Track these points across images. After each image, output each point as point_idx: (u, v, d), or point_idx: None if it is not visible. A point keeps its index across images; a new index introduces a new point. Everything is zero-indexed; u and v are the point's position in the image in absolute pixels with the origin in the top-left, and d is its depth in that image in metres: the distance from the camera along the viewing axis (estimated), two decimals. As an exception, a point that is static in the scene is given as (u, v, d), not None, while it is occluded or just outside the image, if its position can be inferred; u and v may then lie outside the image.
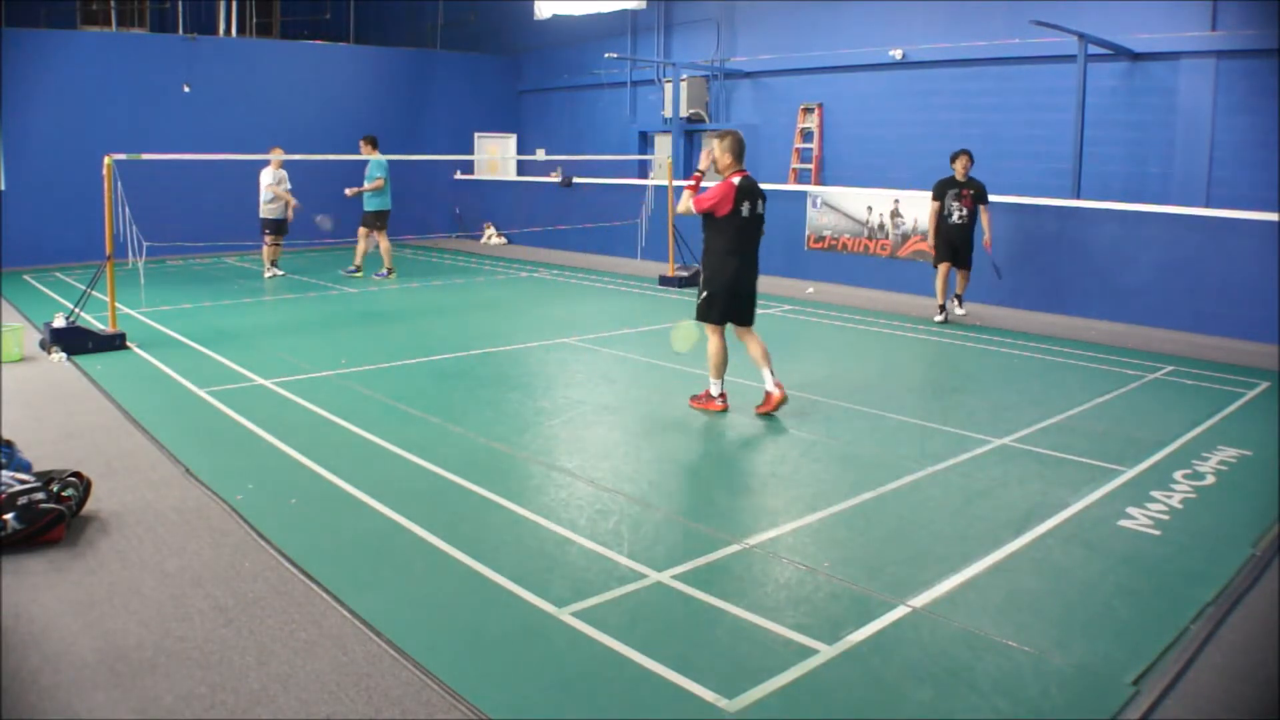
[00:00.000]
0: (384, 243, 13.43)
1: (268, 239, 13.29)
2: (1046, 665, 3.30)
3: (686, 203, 6.37)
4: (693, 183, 6.43)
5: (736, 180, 6.25)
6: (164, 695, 3.04)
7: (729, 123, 16.54)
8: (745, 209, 6.24)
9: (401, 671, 3.20)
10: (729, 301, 6.43)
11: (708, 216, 6.33)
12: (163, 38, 16.76)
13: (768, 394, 6.45)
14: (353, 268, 13.75)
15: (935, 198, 10.25)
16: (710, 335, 6.53)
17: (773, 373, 6.47)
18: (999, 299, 11.26)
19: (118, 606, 3.64)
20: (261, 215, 13.17)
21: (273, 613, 3.60)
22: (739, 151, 6.31)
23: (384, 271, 13.50)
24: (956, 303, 10.51)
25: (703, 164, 6.51)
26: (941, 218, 10.20)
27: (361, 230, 13.47)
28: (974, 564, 4.10)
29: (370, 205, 13.28)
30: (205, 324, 9.72)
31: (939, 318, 10.31)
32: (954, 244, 10.18)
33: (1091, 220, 10.63)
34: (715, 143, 6.38)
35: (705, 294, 6.46)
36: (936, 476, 5.28)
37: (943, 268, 10.26)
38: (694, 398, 6.73)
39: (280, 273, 13.55)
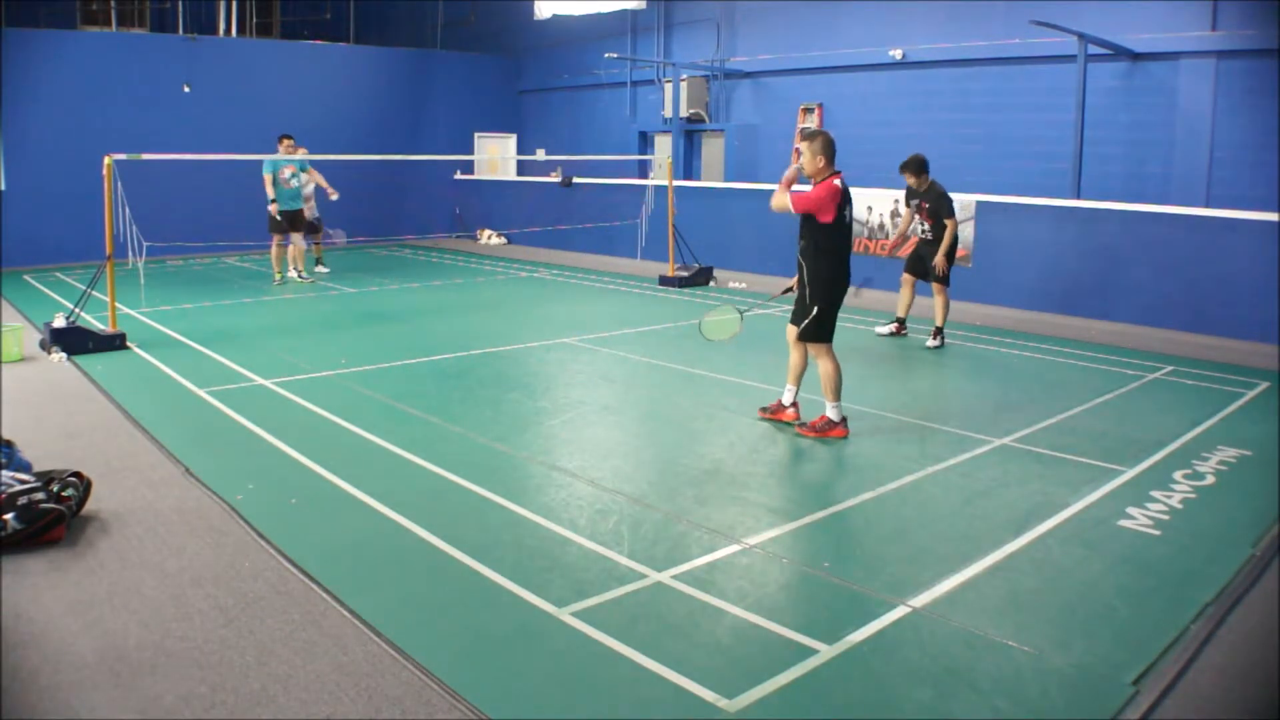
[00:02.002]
0: (299, 245, 12.97)
1: (295, 237, 13.25)
2: (1046, 665, 3.30)
3: (782, 198, 5.84)
4: (784, 184, 5.93)
5: (837, 182, 5.83)
6: (164, 695, 3.04)
7: (729, 123, 16.56)
8: (847, 214, 5.88)
9: (401, 671, 3.20)
10: (834, 317, 6.05)
11: (809, 223, 5.88)
12: (163, 38, 16.76)
13: (782, 404, 6.29)
14: (301, 275, 13.04)
15: (906, 204, 9.31)
16: (822, 358, 6.01)
17: (797, 393, 6.26)
18: (999, 299, 11.26)
19: (118, 606, 3.64)
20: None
21: (273, 613, 3.60)
22: (831, 153, 5.84)
23: (298, 273, 12.95)
24: (934, 334, 9.02)
25: (789, 174, 5.99)
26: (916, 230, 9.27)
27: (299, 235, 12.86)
28: (974, 564, 4.10)
29: (299, 204, 12.62)
30: (205, 324, 9.72)
31: (884, 329, 9.42)
32: (921, 256, 9.17)
33: (1091, 220, 10.63)
34: (804, 145, 5.89)
35: (816, 311, 5.93)
36: (936, 476, 5.28)
37: (904, 278, 9.34)
38: (805, 426, 6.06)
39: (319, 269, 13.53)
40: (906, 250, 9.59)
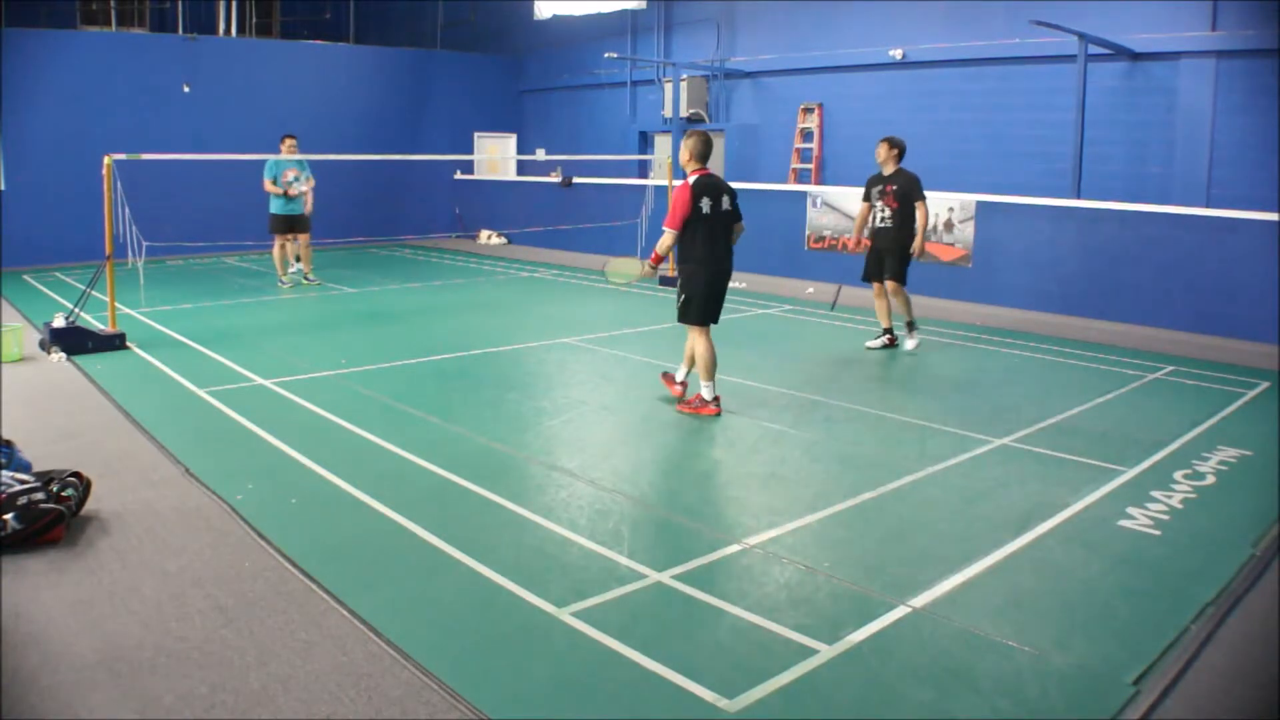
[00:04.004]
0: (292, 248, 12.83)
1: (301, 238, 13.12)
2: (1046, 665, 3.30)
3: (663, 239, 6.35)
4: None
5: (692, 179, 6.33)
6: (164, 695, 3.04)
7: (729, 123, 16.57)
8: (706, 205, 6.27)
9: (401, 671, 3.20)
10: (708, 301, 6.49)
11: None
12: (163, 38, 16.76)
13: (673, 379, 6.74)
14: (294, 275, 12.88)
15: (864, 198, 8.85)
16: (697, 338, 6.52)
17: (687, 373, 6.68)
18: (999, 299, 11.26)
19: (118, 606, 3.64)
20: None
21: (273, 613, 3.60)
22: (697, 152, 6.37)
23: (305, 276, 12.84)
24: (908, 332, 8.74)
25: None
26: (873, 221, 8.79)
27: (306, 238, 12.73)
28: (974, 564, 4.10)
29: (300, 209, 12.36)
30: (205, 324, 9.71)
31: (875, 343, 8.85)
32: (880, 252, 8.69)
33: (1091, 220, 10.63)
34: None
35: (684, 297, 6.52)
36: (936, 476, 5.28)
37: (874, 289, 8.84)
38: (684, 403, 6.62)
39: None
40: (862, 250, 9.20)
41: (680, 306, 6.56)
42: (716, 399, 6.50)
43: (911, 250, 8.53)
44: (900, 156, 8.64)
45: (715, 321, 6.59)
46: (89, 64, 15.31)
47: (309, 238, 12.75)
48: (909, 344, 8.75)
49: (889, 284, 8.65)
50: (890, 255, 8.60)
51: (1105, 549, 4.32)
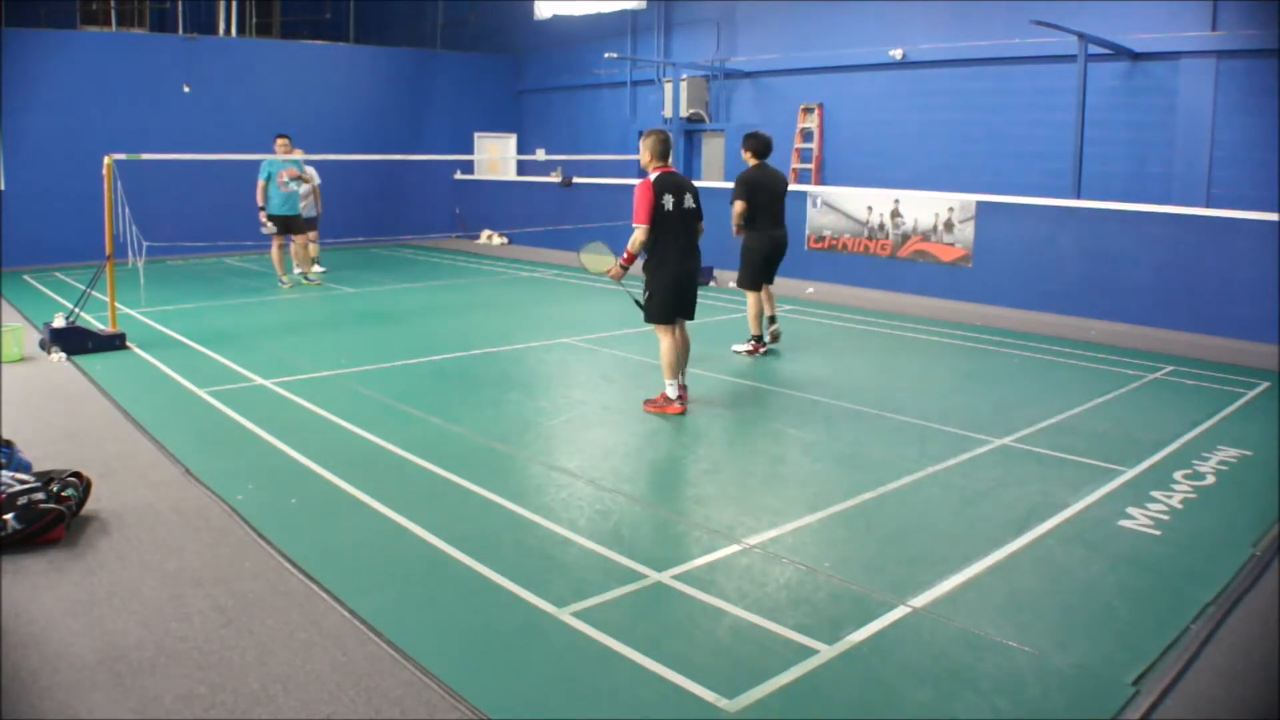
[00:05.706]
0: (300, 245, 12.76)
1: (296, 239, 12.93)
2: (1047, 665, 3.30)
3: (633, 238, 6.27)
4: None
5: (653, 176, 6.30)
6: (164, 695, 3.04)
7: (729, 123, 16.57)
8: (669, 202, 6.26)
9: (401, 672, 3.20)
10: (674, 299, 6.43)
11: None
12: (163, 38, 16.76)
13: (668, 398, 6.47)
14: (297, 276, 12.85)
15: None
16: (661, 336, 6.46)
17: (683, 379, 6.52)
18: (999, 299, 11.26)
19: (118, 606, 3.64)
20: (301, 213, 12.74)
21: (273, 613, 3.60)
22: (658, 150, 6.37)
23: (304, 275, 12.82)
24: (750, 342, 8.30)
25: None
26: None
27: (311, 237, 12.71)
28: (974, 564, 4.10)
29: (296, 209, 12.29)
30: (205, 324, 9.71)
31: (744, 348, 8.33)
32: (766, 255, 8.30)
33: (1091, 220, 10.63)
34: (641, 142, 6.47)
35: (648, 294, 6.46)
36: (936, 476, 5.28)
37: (752, 295, 8.32)
38: (648, 401, 6.56)
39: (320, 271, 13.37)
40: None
41: (646, 304, 6.46)
42: (681, 397, 6.46)
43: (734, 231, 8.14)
44: (757, 154, 8.10)
45: (690, 317, 6.57)
46: (89, 64, 15.31)
47: (305, 238, 12.73)
48: (742, 346, 8.37)
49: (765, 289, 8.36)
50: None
51: (1105, 549, 4.32)
